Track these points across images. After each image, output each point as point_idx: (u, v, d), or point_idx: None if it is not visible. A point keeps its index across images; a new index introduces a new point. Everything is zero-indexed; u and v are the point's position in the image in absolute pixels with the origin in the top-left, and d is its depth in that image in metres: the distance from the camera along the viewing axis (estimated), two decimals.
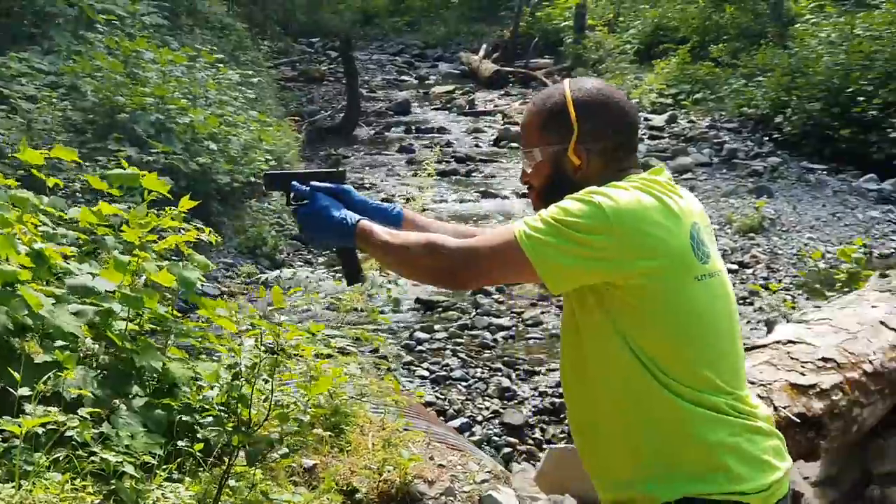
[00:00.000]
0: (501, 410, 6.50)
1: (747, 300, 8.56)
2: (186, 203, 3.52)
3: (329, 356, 4.04)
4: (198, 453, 3.14)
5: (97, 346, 3.35)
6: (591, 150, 2.15)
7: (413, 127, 17.91)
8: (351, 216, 2.24)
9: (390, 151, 16.00)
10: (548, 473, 4.63)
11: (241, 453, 3.14)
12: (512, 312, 8.40)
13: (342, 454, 3.78)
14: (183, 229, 3.63)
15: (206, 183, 8.95)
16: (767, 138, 15.18)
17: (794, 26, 17.73)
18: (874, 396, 4.11)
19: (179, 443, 3.12)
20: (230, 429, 3.11)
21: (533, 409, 6.50)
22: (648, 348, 2.02)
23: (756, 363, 3.87)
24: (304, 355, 3.62)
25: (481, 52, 24.49)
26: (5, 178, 3.91)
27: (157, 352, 3.38)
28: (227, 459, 3.08)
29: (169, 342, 3.55)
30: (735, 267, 9.61)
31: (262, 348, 3.14)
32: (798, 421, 3.62)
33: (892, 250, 10.18)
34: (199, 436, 3.19)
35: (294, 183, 2.38)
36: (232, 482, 3.07)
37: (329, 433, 3.84)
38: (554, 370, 7.07)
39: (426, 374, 7.07)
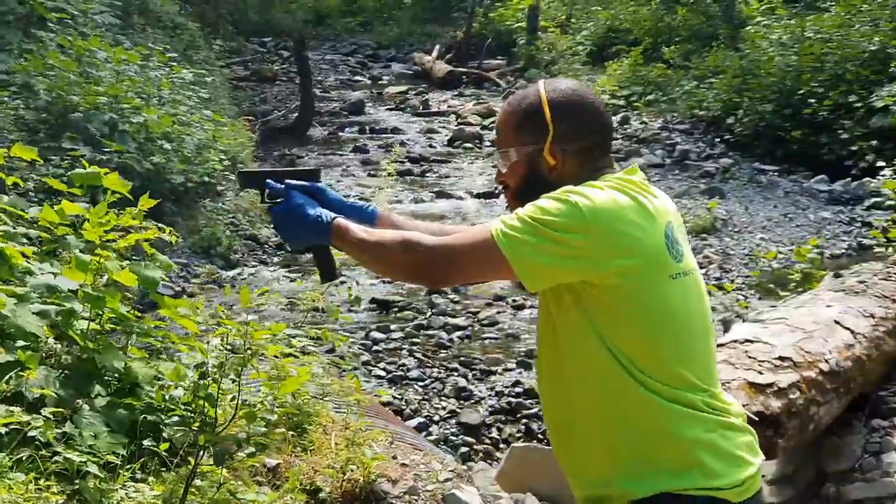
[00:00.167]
0: (458, 410, 6.51)
1: None
2: (146, 202, 3.49)
3: (290, 355, 4.03)
4: (163, 453, 3.12)
5: (59, 345, 3.32)
6: (566, 151, 2.16)
7: (367, 127, 17.90)
8: (326, 214, 2.23)
9: (344, 151, 15.98)
10: (509, 472, 4.66)
11: (206, 453, 3.13)
12: (467, 312, 8.40)
13: (305, 454, 3.78)
14: (143, 228, 3.60)
15: (160, 182, 8.88)
16: (719, 139, 15.32)
17: (745, 28, 17.84)
18: (830, 395, 4.18)
19: (145, 442, 3.11)
20: (196, 428, 3.09)
21: (489, 409, 6.50)
22: (625, 347, 2.03)
23: None
24: (268, 355, 3.61)
25: (434, 53, 24.54)
26: None
27: (119, 351, 3.36)
28: (192, 459, 3.06)
29: (130, 342, 3.53)
30: None
31: (228, 347, 3.13)
32: (756, 419, 3.66)
33: (843, 251, 10.31)
34: (164, 435, 3.17)
35: (269, 181, 2.36)
36: (197, 482, 3.05)
37: (292, 433, 3.84)
38: (510, 370, 7.11)
39: (383, 373, 7.08)
